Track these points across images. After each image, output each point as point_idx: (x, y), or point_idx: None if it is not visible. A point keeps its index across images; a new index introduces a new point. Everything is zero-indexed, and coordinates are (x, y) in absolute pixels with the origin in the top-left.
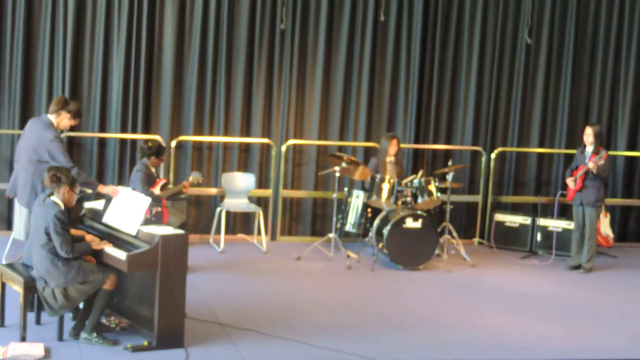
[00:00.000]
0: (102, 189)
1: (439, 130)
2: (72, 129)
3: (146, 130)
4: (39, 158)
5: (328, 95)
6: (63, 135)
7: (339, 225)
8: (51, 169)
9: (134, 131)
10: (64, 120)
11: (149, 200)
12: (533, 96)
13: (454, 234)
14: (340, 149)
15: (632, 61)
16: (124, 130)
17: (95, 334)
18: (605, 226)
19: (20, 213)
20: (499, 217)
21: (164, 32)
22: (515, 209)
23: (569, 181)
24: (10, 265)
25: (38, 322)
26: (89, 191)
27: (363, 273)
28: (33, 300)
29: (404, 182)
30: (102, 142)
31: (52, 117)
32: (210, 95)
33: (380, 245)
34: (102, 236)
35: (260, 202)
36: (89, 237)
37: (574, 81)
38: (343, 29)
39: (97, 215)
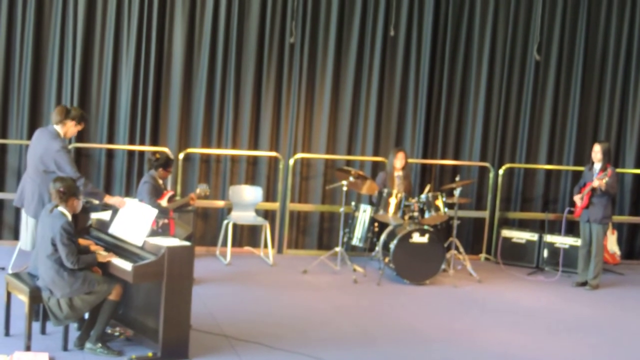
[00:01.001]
0: (109, 199)
1: (447, 145)
2: (80, 139)
3: (154, 142)
4: (46, 168)
5: (336, 109)
6: (71, 146)
7: (345, 239)
8: (56, 182)
9: (142, 143)
10: (70, 128)
11: (155, 211)
12: (542, 113)
13: (461, 249)
14: (348, 163)
15: None
16: (132, 141)
17: (100, 344)
18: (612, 243)
19: (27, 223)
20: (506, 233)
21: (173, 44)
22: (522, 225)
23: (577, 198)
24: (16, 275)
25: (43, 331)
26: (96, 202)
27: (369, 287)
28: (38, 309)
29: (412, 199)
30: (110, 154)
31: (58, 128)
32: (219, 108)
33: (387, 259)
34: (109, 247)
35: (268, 215)
36: (94, 248)
37: (582, 98)
38: (352, 43)
39: (103, 225)
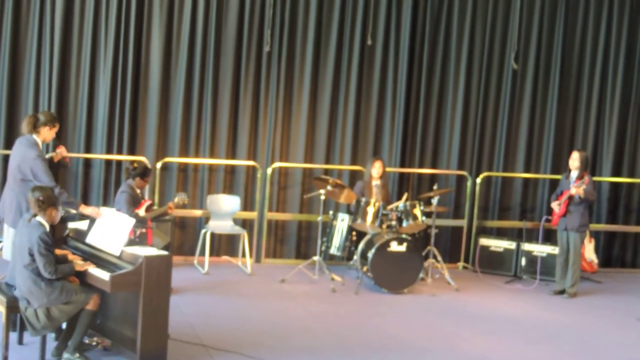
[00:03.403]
0: (84, 209)
1: (425, 154)
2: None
3: (132, 151)
4: (24, 177)
5: (314, 118)
6: (48, 155)
7: (323, 248)
8: (35, 191)
9: (120, 152)
10: (46, 133)
11: (133, 221)
12: (519, 121)
13: (439, 258)
14: (326, 172)
15: (618, 87)
16: (109, 151)
17: (77, 354)
18: (589, 251)
19: (7, 233)
20: (484, 241)
21: (151, 53)
22: (500, 233)
23: (554, 205)
24: None
25: (20, 342)
26: (74, 211)
27: (347, 296)
28: (16, 320)
29: (389, 207)
30: (88, 163)
31: (35, 136)
32: (197, 117)
33: (365, 268)
34: (86, 256)
35: (245, 224)
36: (71, 257)
37: (559, 106)
38: (330, 52)
39: (81, 235)
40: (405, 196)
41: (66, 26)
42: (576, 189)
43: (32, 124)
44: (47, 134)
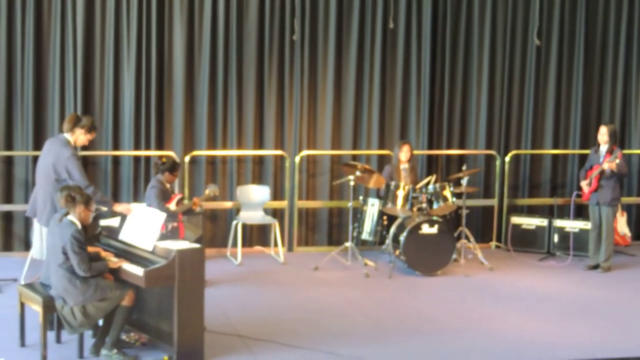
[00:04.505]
0: (117, 207)
1: (452, 135)
2: (85, 147)
3: (159, 146)
4: (58, 176)
5: (340, 105)
6: (79, 153)
7: (355, 234)
8: (64, 189)
9: (148, 148)
10: (79, 136)
11: (164, 215)
12: (545, 97)
13: (471, 238)
14: (354, 157)
15: None
16: (137, 147)
17: (115, 351)
18: (622, 225)
19: (40, 232)
20: (515, 220)
21: (174, 47)
22: (531, 211)
23: (584, 184)
24: (29, 285)
25: (58, 340)
26: (105, 209)
27: (381, 281)
28: (53, 319)
29: (417, 186)
30: (116, 160)
31: (67, 136)
32: (222, 109)
33: (397, 252)
34: (119, 253)
35: (276, 213)
36: (104, 254)
37: (585, 81)
38: (352, 38)
39: (113, 232)
40: (433, 177)
41: (88, 23)
42: (609, 163)
43: (73, 121)
44: (81, 137)
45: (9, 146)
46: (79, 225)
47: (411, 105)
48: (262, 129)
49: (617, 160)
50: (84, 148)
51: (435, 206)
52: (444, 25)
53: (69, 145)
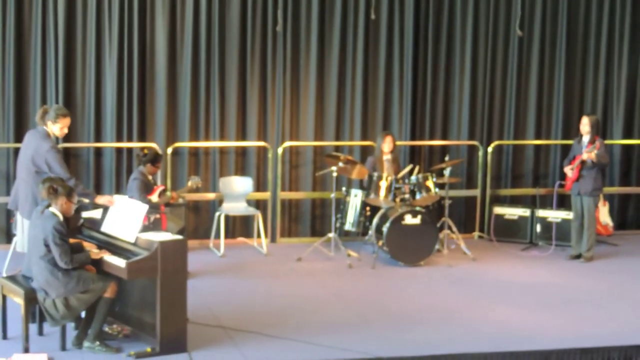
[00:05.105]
0: (99, 199)
1: (435, 126)
2: (67, 139)
3: (142, 138)
4: (38, 169)
5: (322, 96)
6: (59, 145)
7: (338, 224)
8: (46, 181)
9: (130, 140)
10: (51, 127)
11: (146, 207)
12: (527, 88)
13: (454, 228)
14: (337, 148)
15: (625, 49)
16: (119, 139)
17: (98, 343)
18: (604, 215)
19: (22, 225)
20: (498, 210)
21: (156, 38)
22: (514, 201)
23: (567, 169)
24: (11, 278)
25: (40, 333)
26: (87, 201)
27: (364, 271)
28: (35, 311)
29: (398, 176)
30: (98, 152)
31: (46, 128)
32: (205, 100)
33: (380, 242)
34: (101, 245)
35: (259, 204)
36: (86, 245)
37: (567, 71)
38: (335, 29)
39: (95, 224)
40: (410, 167)
41: (70, 14)
42: (588, 154)
43: (41, 115)
44: (53, 127)
45: None
46: (61, 217)
47: (394, 96)
48: (245, 120)
49: (596, 151)
50: (66, 139)
51: (418, 197)
52: (427, 15)
53: (48, 138)
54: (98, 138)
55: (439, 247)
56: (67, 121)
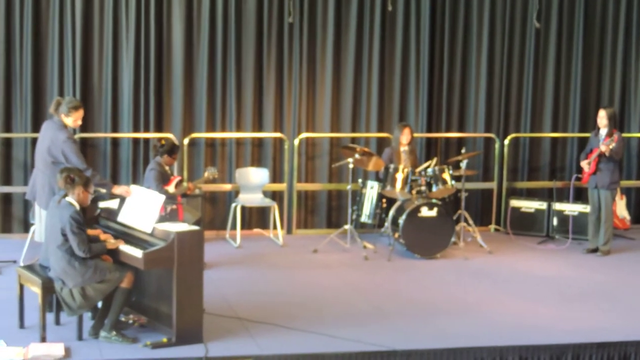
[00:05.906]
0: (115, 189)
1: (451, 118)
2: (84, 129)
3: (158, 128)
4: (54, 159)
5: (339, 87)
6: (76, 136)
7: (354, 216)
8: (63, 171)
9: (147, 130)
10: (64, 120)
11: (163, 197)
12: (544, 81)
13: (470, 221)
14: (353, 140)
15: None
16: (136, 129)
17: (114, 332)
18: (621, 208)
19: (40, 215)
20: (515, 203)
21: (173, 29)
22: (530, 194)
23: (584, 164)
24: (28, 267)
25: (57, 322)
26: (103, 191)
27: (380, 263)
28: (52, 300)
29: (417, 170)
30: (115, 142)
31: (61, 119)
32: (221, 92)
33: (397, 235)
34: (118, 235)
35: (275, 196)
36: (103, 236)
37: (584, 63)
38: (351, 21)
39: (112, 214)
40: (433, 160)
41: (87, 5)
42: (605, 146)
43: (55, 105)
44: (65, 119)
45: (7, 128)
46: (78, 207)
47: (410, 88)
48: (261, 111)
49: (613, 144)
50: (83, 130)
51: (434, 189)
52: (443, 7)
53: (64, 129)
54: (115, 128)
55: (455, 239)
56: (79, 114)
